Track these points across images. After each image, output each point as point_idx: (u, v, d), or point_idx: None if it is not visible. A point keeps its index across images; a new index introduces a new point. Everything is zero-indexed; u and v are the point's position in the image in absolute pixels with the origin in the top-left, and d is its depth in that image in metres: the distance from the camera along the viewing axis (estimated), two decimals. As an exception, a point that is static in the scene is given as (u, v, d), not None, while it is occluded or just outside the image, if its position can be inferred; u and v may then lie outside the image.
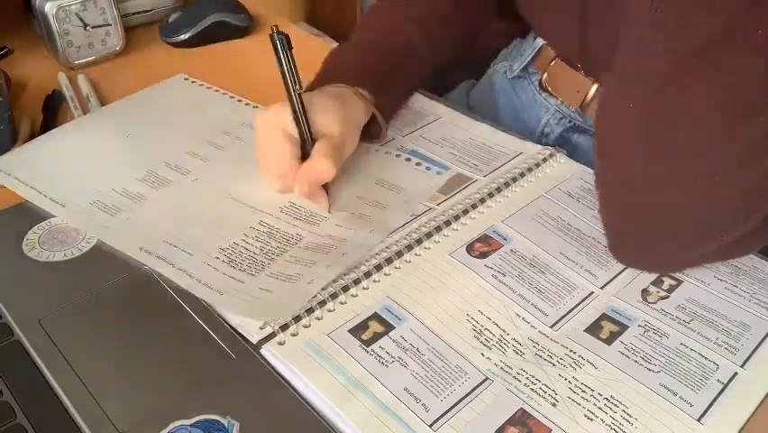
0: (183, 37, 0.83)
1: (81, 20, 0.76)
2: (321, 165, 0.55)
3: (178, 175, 0.62)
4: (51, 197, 0.58)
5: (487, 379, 0.44)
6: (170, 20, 0.84)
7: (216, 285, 0.50)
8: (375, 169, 0.63)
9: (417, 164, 0.64)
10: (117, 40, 0.80)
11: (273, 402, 0.43)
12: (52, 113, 0.69)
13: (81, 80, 0.75)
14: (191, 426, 0.41)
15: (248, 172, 0.60)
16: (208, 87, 0.75)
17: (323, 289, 0.49)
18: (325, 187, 0.58)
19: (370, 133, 0.65)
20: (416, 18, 0.69)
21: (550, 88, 0.72)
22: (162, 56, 0.82)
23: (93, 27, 0.77)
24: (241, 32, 0.86)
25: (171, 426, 0.41)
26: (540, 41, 0.72)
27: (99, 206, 0.57)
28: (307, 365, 0.44)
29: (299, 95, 0.55)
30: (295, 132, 0.56)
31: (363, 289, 0.50)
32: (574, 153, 0.69)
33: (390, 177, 0.62)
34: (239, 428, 0.41)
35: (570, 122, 0.72)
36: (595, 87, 0.67)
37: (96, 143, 0.65)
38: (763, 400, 0.44)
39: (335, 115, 0.57)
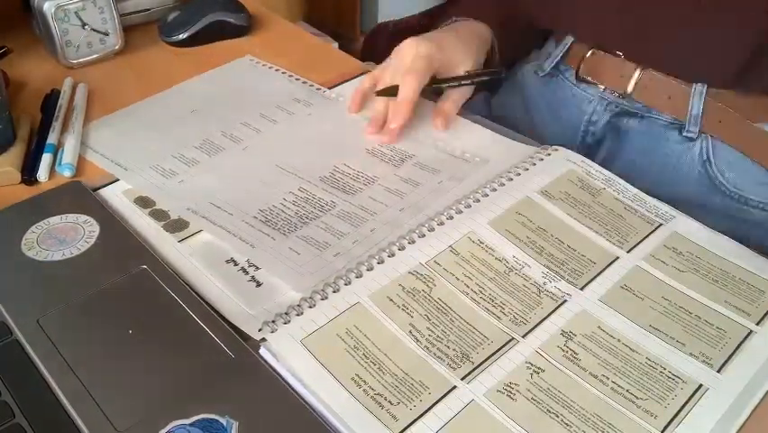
0: (182, 36, 0.83)
1: (80, 19, 0.76)
2: (449, 107, 0.68)
3: (231, 143, 0.67)
4: (117, 161, 0.64)
5: (455, 388, 0.44)
6: (169, 19, 0.84)
7: (250, 240, 0.55)
8: (414, 151, 0.65)
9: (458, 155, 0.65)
10: (116, 39, 0.79)
11: (272, 402, 0.43)
12: (51, 112, 0.69)
13: (79, 91, 0.73)
14: (190, 425, 0.41)
15: (295, 143, 0.66)
16: (270, 67, 0.79)
17: (321, 289, 0.50)
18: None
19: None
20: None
21: (590, 78, 0.72)
22: (161, 55, 0.82)
23: (92, 27, 0.77)
24: (240, 32, 0.85)
25: (170, 425, 0.41)
26: (569, 39, 0.74)
27: (157, 169, 0.63)
28: (305, 366, 0.44)
29: None
30: (433, 66, 0.66)
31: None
32: (625, 139, 0.70)
33: (427, 159, 0.64)
34: (238, 427, 0.41)
35: (617, 107, 0.72)
36: (639, 70, 0.68)
37: (164, 116, 0.71)
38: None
39: (465, 55, 0.68)
